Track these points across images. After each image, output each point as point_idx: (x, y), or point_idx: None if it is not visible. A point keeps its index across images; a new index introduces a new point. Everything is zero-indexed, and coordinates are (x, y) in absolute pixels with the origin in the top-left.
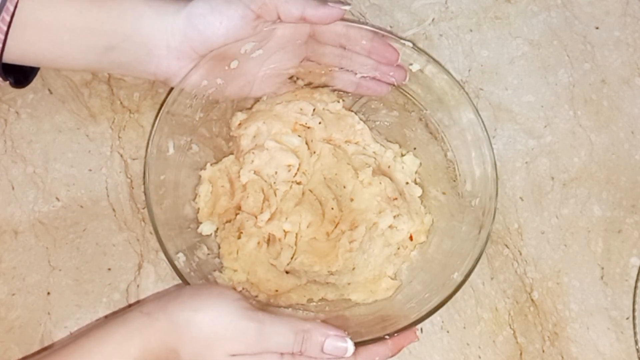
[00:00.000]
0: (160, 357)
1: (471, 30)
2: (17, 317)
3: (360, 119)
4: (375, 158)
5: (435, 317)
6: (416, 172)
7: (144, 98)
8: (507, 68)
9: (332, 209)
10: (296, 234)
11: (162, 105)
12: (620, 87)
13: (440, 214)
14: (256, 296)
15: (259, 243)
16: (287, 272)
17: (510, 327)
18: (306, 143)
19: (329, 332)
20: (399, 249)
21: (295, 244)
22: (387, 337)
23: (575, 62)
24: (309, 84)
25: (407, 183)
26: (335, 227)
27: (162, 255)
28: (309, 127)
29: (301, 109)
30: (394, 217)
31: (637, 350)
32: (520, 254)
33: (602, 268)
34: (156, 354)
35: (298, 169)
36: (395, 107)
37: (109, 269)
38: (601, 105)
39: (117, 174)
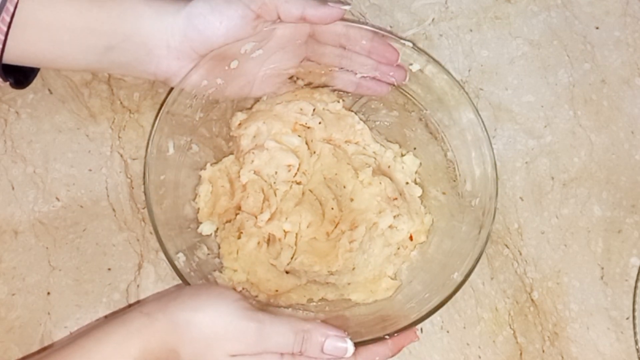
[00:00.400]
0: (160, 357)
1: (471, 30)
2: (17, 317)
3: (360, 119)
4: (375, 158)
5: (435, 317)
6: (416, 172)
7: (144, 98)
8: (507, 68)
9: (332, 209)
10: (296, 234)
11: (162, 105)
12: (620, 87)
13: (440, 214)
14: (256, 296)
15: (259, 243)
16: (287, 272)
17: (510, 327)
18: (306, 143)
19: (329, 333)
20: (399, 249)
21: (295, 244)
22: (387, 337)
23: (575, 62)
24: (309, 84)
25: (407, 183)
26: (335, 227)
27: (162, 255)
28: (309, 127)
29: (301, 109)
30: (394, 217)
31: (637, 350)
32: (520, 254)
33: (602, 268)
34: (156, 354)
35: (298, 169)
36: (395, 107)
37: (109, 269)
38: (601, 105)
39: (117, 174)
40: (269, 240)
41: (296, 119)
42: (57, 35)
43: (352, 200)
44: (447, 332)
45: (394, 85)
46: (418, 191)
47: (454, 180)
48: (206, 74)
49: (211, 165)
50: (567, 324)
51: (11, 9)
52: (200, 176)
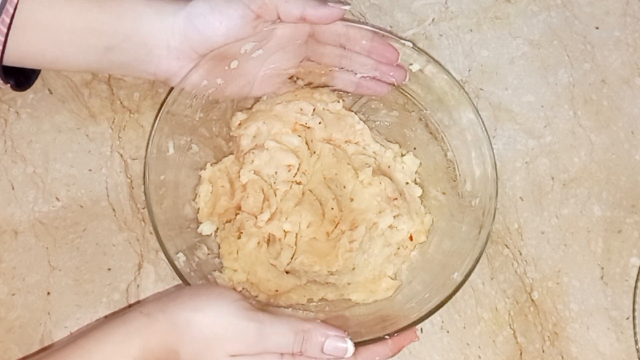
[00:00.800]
0: (160, 357)
1: (471, 30)
2: (17, 317)
3: (360, 119)
4: (375, 158)
5: (435, 317)
6: (416, 172)
7: (144, 98)
8: (507, 68)
9: (332, 209)
10: (296, 234)
11: (162, 105)
12: (620, 87)
13: (440, 214)
14: (256, 296)
15: (259, 243)
16: (287, 272)
17: (510, 327)
18: (306, 143)
19: (329, 333)
20: (399, 249)
21: (295, 244)
22: (387, 337)
23: (575, 62)
24: (309, 84)
25: (407, 183)
26: (335, 227)
27: (162, 255)
28: (309, 127)
29: (301, 109)
30: (394, 217)
31: (637, 350)
32: (520, 254)
33: (602, 268)
34: (156, 354)
35: (298, 169)
36: (395, 107)
37: (109, 269)
38: (601, 105)
39: (117, 174)
40: (269, 240)
41: (296, 119)
42: (57, 36)
43: (352, 200)
44: (447, 332)
45: (394, 85)
46: (418, 191)
47: (454, 180)
48: (206, 74)
49: (211, 165)
50: (567, 324)
51: (11, 10)
52: (200, 176)
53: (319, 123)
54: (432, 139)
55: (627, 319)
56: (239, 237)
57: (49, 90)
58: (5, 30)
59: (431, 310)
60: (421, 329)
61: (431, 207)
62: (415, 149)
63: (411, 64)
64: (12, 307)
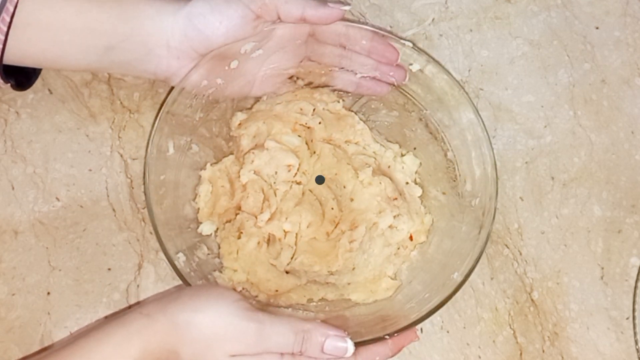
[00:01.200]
0: (160, 358)
1: (471, 30)
2: (17, 317)
3: (360, 119)
4: (375, 158)
5: (435, 317)
6: (416, 172)
7: (144, 98)
8: (507, 68)
9: (332, 209)
10: (296, 234)
11: (162, 105)
12: (620, 87)
13: (440, 214)
14: (256, 296)
15: (259, 243)
16: (287, 272)
17: (510, 327)
18: (306, 143)
19: (329, 332)
20: (399, 249)
21: (295, 244)
22: (387, 337)
23: (575, 62)
24: (309, 84)
25: (407, 183)
26: (335, 227)
27: (162, 255)
28: (309, 127)
29: (301, 109)
30: (394, 217)
31: (637, 350)
32: (520, 254)
33: (602, 268)
34: (156, 354)
35: (298, 169)
36: (395, 107)
37: (109, 269)
38: (601, 105)
39: (117, 174)
40: (269, 240)
41: (296, 119)
42: (57, 36)
43: (352, 200)
44: (447, 332)
45: (394, 85)
46: (418, 191)
47: (454, 180)
48: (206, 74)
49: (211, 165)
50: (567, 324)
51: (11, 9)
52: (200, 176)
53: (319, 123)
54: (432, 139)
55: (627, 319)
56: (239, 237)
57: (49, 90)
58: (5, 28)
59: (431, 310)
60: (421, 329)
61: (431, 207)
62: (415, 149)
63: (411, 64)
64: (12, 307)
